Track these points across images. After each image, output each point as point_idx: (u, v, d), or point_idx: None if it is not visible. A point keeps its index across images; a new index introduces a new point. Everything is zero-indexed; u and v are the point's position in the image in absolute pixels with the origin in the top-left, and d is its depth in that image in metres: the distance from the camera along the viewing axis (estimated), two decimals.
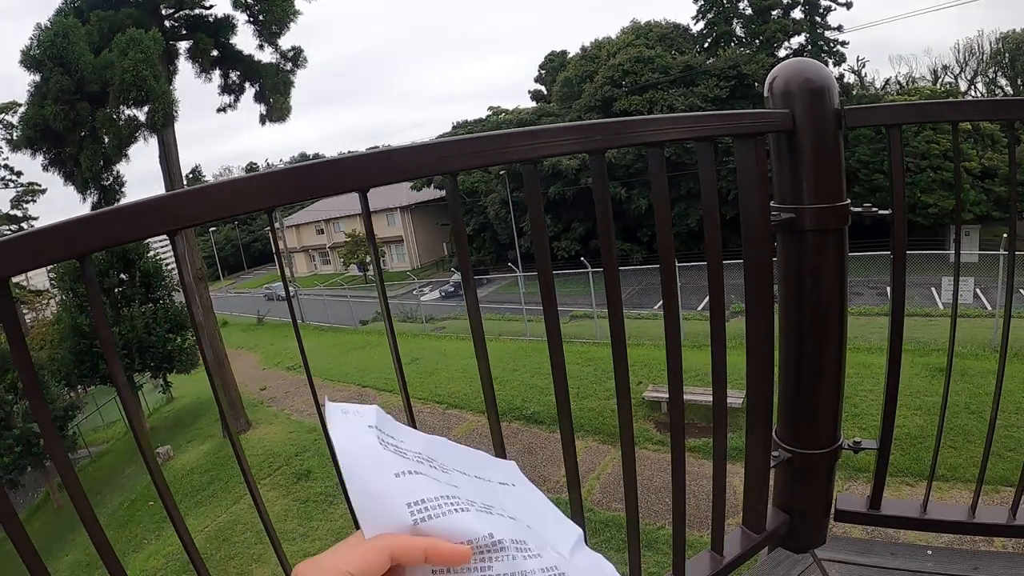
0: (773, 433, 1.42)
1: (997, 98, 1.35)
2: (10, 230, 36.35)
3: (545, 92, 48.19)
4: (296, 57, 18.50)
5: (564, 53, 47.19)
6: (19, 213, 37.94)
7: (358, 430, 0.55)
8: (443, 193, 33.78)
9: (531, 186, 0.77)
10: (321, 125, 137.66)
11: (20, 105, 16.64)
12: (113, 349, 0.80)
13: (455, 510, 0.52)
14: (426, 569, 0.51)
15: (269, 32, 17.63)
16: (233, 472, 13.59)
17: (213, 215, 0.72)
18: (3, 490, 0.75)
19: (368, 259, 39.27)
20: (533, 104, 47.18)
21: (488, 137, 0.73)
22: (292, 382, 19.90)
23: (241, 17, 17.63)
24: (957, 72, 40.86)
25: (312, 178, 0.71)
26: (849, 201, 1.26)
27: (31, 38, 14.54)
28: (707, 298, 1.15)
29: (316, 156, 70.08)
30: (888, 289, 1.41)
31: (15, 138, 16.88)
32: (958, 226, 1.71)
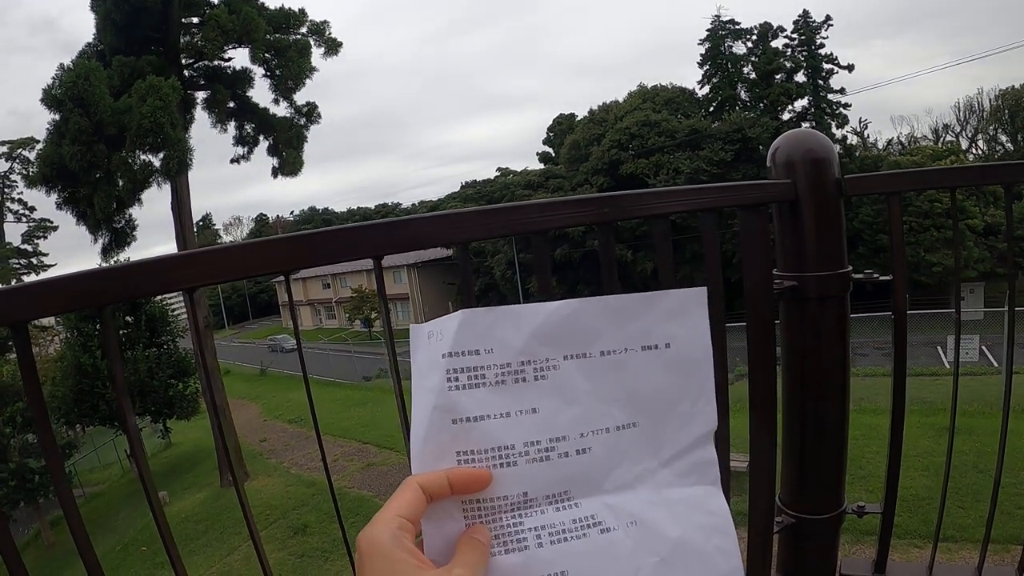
0: (776, 498, 1.41)
1: (992, 163, 1.39)
2: (19, 263, 36.70)
3: (553, 154, 49.07)
4: (310, 112, 18.97)
5: (572, 116, 48.23)
6: (29, 248, 38.33)
7: (431, 365, 0.55)
8: (449, 252, 34.10)
9: (541, 256, 0.80)
10: (331, 179, 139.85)
11: (38, 142, 16.92)
12: (126, 395, 0.82)
13: (499, 464, 0.54)
14: (458, 506, 0.54)
15: (285, 87, 18.14)
16: (228, 523, 13.34)
17: (232, 275, 0.75)
18: (6, 526, 0.75)
19: (373, 315, 39.37)
20: (541, 166, 47.94)
21: (501, 209, 0.76)
22: (293, 435, 19.71)
23: (258, 71, 18.22)
24: (958, 130, 41.48)
25: (329, 244, 0.74)
26: (850, 268, 1.28)
27: (53, 78, 14.99)
28: None
29: (325, 210, 71.47)
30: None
31: (31, 174, 17.18)
32: (956, 288, 1.73)
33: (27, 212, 38.62)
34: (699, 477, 0.61)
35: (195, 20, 17.11)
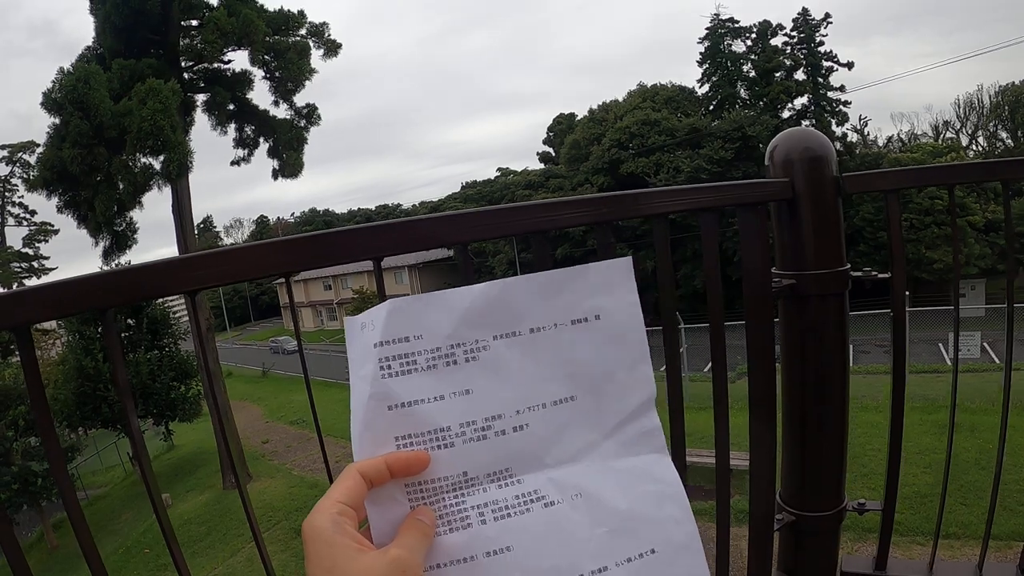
0: (777, 496, 1.41)
1: (991, 160, 1.38)
2: (20, 267, 36.72)
3: (553, 154, 48.96)
4: (310, 114, 18.96)
5: (572, 116, 48.09)
6: (30, 251, 38.33)
7: (364, 355, 0.56)
8: (450, 253, 34.20)
9: (542, 256, 0.80)
10: (332, 180, 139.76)
11: (38, 145, 16.86)
12: (131, 398, 0.82)
13: (437, 447, 0.55)
14: (401, 490, 0.55)
15: (285, 89, 18.13)
16: (231, 525, 13.35)
17: (233, 278, 0.75)
18: (11, 529, 0.76)
19: None
20: (541, 166, 47.87)
21: (502, 210, 0.77)
22: (295, 436, 19.70)
23: (258, 73, 18.20)
24: (958, 127, 41.35)
25: (329, 246, 0.75)
26: (849, 266, 1.28)
27: (53, 81, 14.92)
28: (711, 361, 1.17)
29: (326, 211, 71.37)
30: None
31: (31, 177, 17.14)
32: (956, 286, 1.73)
33: (28, 216, 38.66)
34: (644, 446, 0.61)
35: (194, 22, 17.08)
